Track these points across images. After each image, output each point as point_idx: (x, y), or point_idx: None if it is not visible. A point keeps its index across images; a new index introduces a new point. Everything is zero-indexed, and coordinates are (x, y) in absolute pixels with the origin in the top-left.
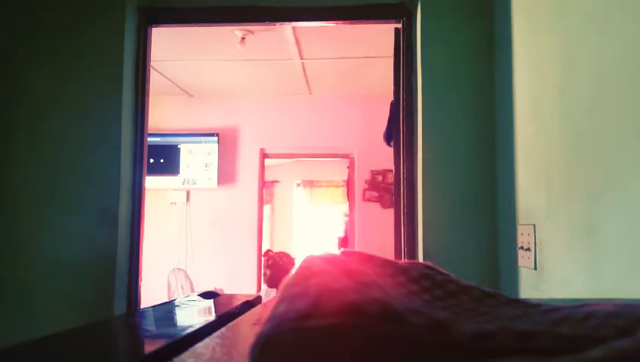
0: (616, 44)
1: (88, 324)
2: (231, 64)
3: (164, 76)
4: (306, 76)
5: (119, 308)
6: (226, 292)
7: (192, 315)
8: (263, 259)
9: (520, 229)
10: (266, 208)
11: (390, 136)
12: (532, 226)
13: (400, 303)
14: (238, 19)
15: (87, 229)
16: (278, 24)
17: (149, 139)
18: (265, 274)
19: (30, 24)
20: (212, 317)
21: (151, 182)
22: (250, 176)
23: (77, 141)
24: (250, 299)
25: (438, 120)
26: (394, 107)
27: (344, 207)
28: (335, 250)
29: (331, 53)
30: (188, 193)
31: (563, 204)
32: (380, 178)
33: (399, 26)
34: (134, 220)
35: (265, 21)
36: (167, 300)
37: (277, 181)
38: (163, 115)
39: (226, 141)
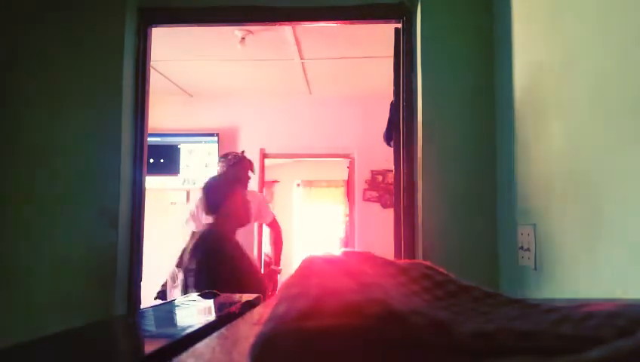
0: (617, 42)
1: (88, 324)
2: (231, 64)
3: (164, 76)
4: (306, 76)
5: (119, 308)
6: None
7: (192, 315)
8: None
9: (520, 229)
10: None
11: (390, 136)
12: (532, 226)
13: (400, 303)
14: (237, 20)
15: (87, 229)
16: (278, 24)
17: (149, 139)
18: None
19: (30, 25)
20: (212, 317)
21: (151, 182)
22: None
23: (77, 141)
24: (250, 298)
25: (438, 120)
26: (394, 107)
27: (344, 207)
28: (335, 250)
29: (331, 53)
30: (188, 193)
31: (563, 204)
32: (380, 178)
33: (399, 26)
34: (134, 220)
35: (265, 21)
36: (167, 300)
37: (277, 181)
38: (163, 115)
39: (225, 141)
